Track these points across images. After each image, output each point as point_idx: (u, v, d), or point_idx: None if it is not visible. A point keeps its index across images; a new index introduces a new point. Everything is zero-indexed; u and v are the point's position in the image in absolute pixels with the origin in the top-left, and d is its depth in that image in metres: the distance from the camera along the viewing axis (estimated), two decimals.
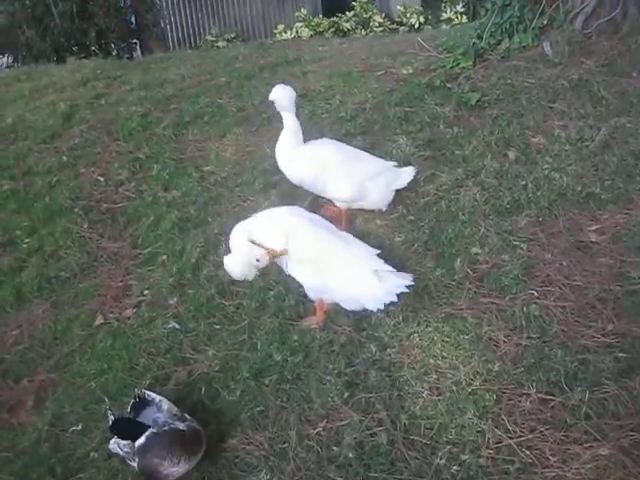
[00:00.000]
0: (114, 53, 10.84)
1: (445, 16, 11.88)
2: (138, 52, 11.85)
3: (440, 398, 3.19)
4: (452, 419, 3.09)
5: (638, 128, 4.94)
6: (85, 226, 5.00)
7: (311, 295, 3.65)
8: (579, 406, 3.06)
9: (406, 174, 4.31)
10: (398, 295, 3.36)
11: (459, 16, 11.70)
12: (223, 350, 3.71)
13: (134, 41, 11.51)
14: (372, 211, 4.38)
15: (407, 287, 3.38)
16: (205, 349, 3.76)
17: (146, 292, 4.34)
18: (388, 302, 3.37)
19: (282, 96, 4.18)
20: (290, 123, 4.21)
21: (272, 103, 4.21)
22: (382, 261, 3.52)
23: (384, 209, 4.37)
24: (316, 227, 3.57)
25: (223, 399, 3.47)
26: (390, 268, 3.48)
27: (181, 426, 3.09)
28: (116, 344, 3.99)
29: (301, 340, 3.59)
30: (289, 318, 3.77)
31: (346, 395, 3.28)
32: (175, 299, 4.18)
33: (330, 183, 4.17)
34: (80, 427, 3.61)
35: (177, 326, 3.97)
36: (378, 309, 3.41)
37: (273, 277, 4.03)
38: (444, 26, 11.68)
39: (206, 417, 3.41)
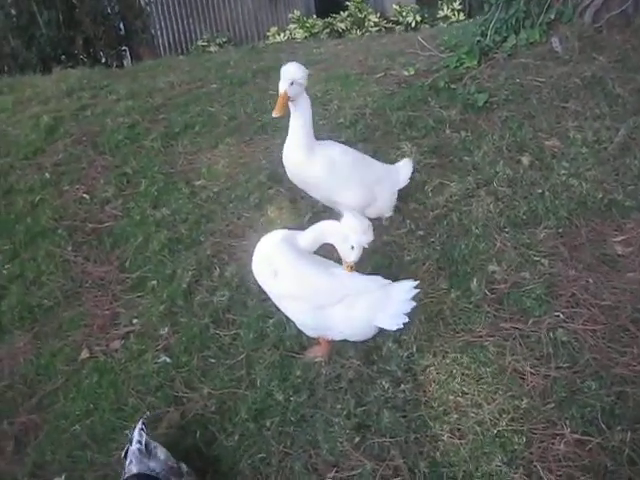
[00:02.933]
0: (103, 61, 10.48)
1: (442, 14, 11.55)
2: (128, 59, 11.52)
3: (463, 441, 2.84)
4: (477, 466, 2.74)
5: None
6: (69, 249, 4.65)
7: (311, 334, 3.31)
8: (620, 448, 2.72)
9: (405, 169, 4.01)
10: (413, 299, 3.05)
11: (456, 13, 11.38)
12: (219, 388, 3.36)
13: (123, 48, 11.16)
14: (376, 220, 4.04)
15: (415, 287, 3.08)
16: (199, 386, 3.42)
17: (135, 321, 4.00)
18: (408, 311, 3.03)
19: (302, 75, 3.60)
20: (307, 113, 3.70)
21: (290, 84, 3.55)
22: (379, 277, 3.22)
23: (389, 214, 4.07)
24: (305, 259, 3.20)
25: (220, 444, 3.13)
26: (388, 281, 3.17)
27: None
28: (103, 381, 3.65)
29: (305, 376, 3.25)
30: (291, 350, 3.44)
31: (357, 439, 2.93)
32: (166, 329, 3.83)
33: (344, 187, 3.80)
34: (63, 478, 3.26)
35: (168, 360, 3.63)
36: (398, 327, 3.07)
37: (272, 303, 3.69)
38: (441, 24, 11.33)
39: (202, 465, 3.07)
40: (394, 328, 3.09)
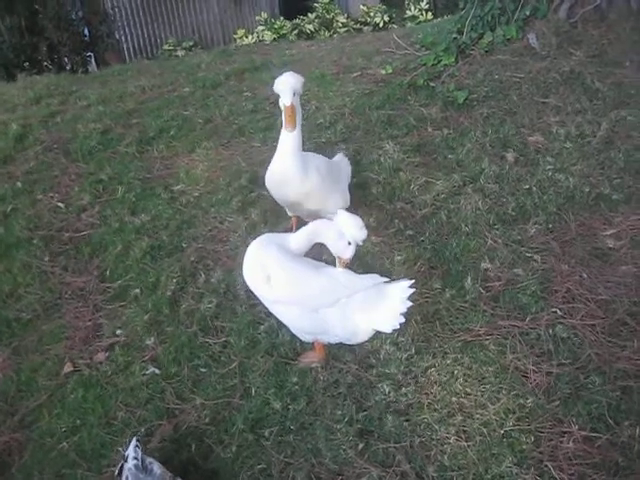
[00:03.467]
0: (68, 67, 10.26)
1: (409, 13, 11.54)
2: (93, 65, 11.30)
3: (470, 444, 2.77)
4: (487, 468, 2.67)
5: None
6: (46, 259, 4.48)
7: (306, 338, 3.21)
8: (630, 444, 2.68)
9: (346, 162, 4.08)
10: (409, 299, 2.92)
11: (424, 13, 11.37)
12: (212, 398, 3.24)
13: (88, 54, 10.94)
14: None
15: (410, 287, 2.93)
16: (192, 397, 3.29)
17: (119, 332, 3.85)
18: (404, 312, 2.91)
19: (301, 84, 3.49)
20: (299, 124, 3.58)
21: (293, 95, 3.46)
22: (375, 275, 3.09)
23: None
24: (298, 261, 3.11)
25: (217, 457, 3.00)
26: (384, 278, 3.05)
27: None
28: (89, 395, 3.49)
29: (302, 382, 3.15)
30: (285, 356, 3.33)
31: (361, 446, 2.84)
32: (152, 339, 3.69)
33: (333, 191, 3.73)
34: None
35: (157, 371, 3.49)
36: (394, 329, 2.95)
37: (263, 308, 3.59)
38: (409, 24, 11.34)
39: (200, 479, 2.95)
40: (390, 330, 3.00)
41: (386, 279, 3.02)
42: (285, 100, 3.44)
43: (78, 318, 4.05)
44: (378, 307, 2.98)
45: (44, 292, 4.25)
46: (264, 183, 3.77)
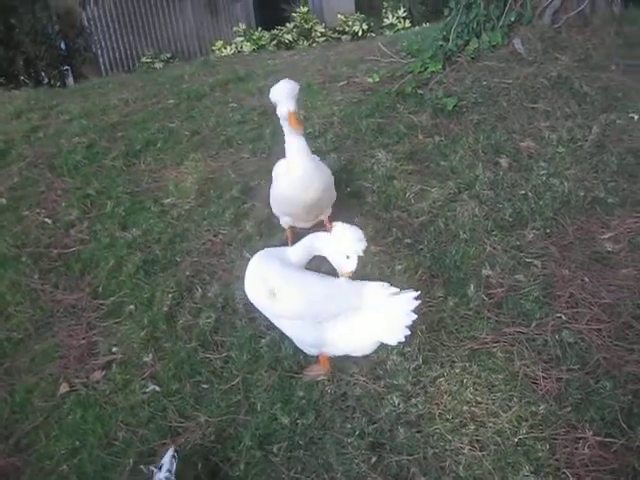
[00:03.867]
0: (45, 82, 10.13)
1: (387, 22, 11.55)
2: (70, 79, 11.17)
3: (484, 453, 2.73)
4: (504, 478, 2.63)
5: (630, 124, 4.66)
6: (36, 277, 4.38)
7: (311, 351, 3.16)
8: None
9: None
10: (414, 311, 2.88)
11: (402, 21, 11.40)
12: (217, 415, 3.17)
13: (66, 67, 10.81)
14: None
15: (416, 298, 2.90)
16: (195, 415, 3.22)
17: (115, 349, 3.77)
18: (409, 324, 2.88)
19: (298, 91, 3.48)
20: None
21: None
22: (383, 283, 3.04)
23: None
24: (301, 273, 3.08)
25: (225, 475, 2.93)
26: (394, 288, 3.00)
27: None
28: (87, 416, 3.40)
29: (308, 396, 3.09)
30: (289, 370, 3.27)
31: (374, 459, 2.78)
32: (150, 356, 3.62)
33: (332, 189, 3.79)
34: None
35: (157, 389, 3.42)
36: (399, 342, 2.93)
37: (263, 322, 3.54)
38: (387, 32, 11.36)
39: None
40: (395, 342, 2.96)
41: (392, 287, 2.98)
42: (289, 106, 3.40)
43: (72, 336, 3.96)
44: (383, 320, 2.94)
45: (35, 311, 4.16)
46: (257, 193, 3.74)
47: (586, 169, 4.29)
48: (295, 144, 3.53)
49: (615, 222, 3.92)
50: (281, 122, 3.54)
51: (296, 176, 3.56)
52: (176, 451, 2.75)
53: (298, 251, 3.14)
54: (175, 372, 3.47)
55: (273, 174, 3.82)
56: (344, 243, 3.00)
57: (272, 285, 3.02)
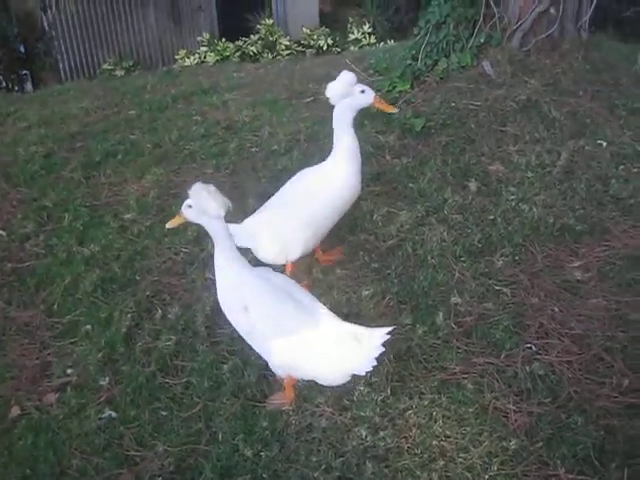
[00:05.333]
0: (3, 85, 9.84)
1: (352, 37, 11.52)
2: (29, 84, 10.88)
3: None
4: None
5: (597, 151, 4.66)
6: None
7: (279, 372, 3.05)
8: None
9: None
10: (384, 345, 2.81)
11: (367, 36, 11.37)
12: (176, 444, 3.02)
13: (24, 72, 10.53)
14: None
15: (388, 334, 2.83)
16: (153, 443, 3.06)
17: (70, 371, 3.59)
18: (377, 356, 2.80)
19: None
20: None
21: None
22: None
23: None
24: (278, 295, 2.98)
25: None
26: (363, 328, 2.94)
27: None
28: (39, 441, 3.22)
29: (272, 427, 2.97)
30: (252, 399, 3.14)
31: None
32: (107, 379, 3.45)
33: None
34: None
35: (114, 415, 3.25)
36: (367, 372, 2.85)
37: (225, 346, 3.41)
38: (352, 47, 11.33)
39: None
40: (364, 373, 2.87)
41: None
42: (370, 93, 3.61)
43: (24, 356, 3.77)
44: (352, 351, 2.86)
45: None
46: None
47: (555, 195, 4.26)
48: (348, 144, 3.65)
49: (584, 250, 3.89)
50: (340, 118, 3.69)
51: (355, 181, 3.61)
52: None
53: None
54: (133, 397, 3.31)
55: (311, 188, 3.66)
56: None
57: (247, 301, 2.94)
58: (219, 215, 2.94)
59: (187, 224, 3.26)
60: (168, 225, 3.20)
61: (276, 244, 3.56)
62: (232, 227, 3.25)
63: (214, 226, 2.99)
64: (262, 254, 3.61)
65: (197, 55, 10.69)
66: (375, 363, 2.82)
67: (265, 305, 2.95)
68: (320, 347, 2.90)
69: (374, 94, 3.62)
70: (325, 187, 3.61)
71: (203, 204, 2.95)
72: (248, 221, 3.64)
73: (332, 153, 3.72)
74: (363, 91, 3.60)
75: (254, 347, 3.06)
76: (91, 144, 5.58)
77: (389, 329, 2.83)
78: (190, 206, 3.02)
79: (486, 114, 5.03)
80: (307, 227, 3.56)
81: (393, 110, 3.89)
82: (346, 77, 3.58)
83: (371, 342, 2.82)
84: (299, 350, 2.91)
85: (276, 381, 3.19)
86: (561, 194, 4.27)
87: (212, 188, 2.96)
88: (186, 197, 3.02)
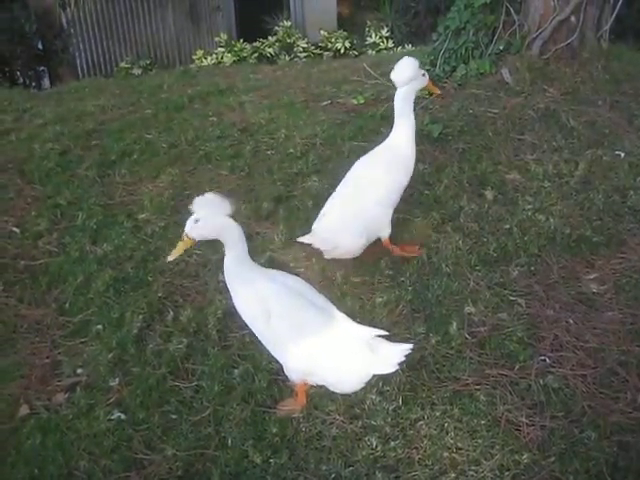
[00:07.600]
0: (20, 82, 9.88)
1: (370, 40, 11.51)
2: (46, 80, 10.93)
3: None
4: None
5: (615, 161, 4.62)
6: (0, 289, 4.19)
7: (293, 377, 3.03)
8: None
9: None
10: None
11: (384, 40, 11.35)
12: (185, 448, 3.01)
13: (42, 68, 10.57)
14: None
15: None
16: (162, 447, 3.05)
17: (80, 371, 3.58)
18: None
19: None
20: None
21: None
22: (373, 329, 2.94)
23: None
24: (297, 299, 2.95)
25: None
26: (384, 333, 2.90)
27: None
28: (48, 441, 3.21)
29: (282, 433, 2.95)
30: (262, 404, 3.12)
31: None
32: (117, 380, 3.44)
33: None
34: None
35: (123, 416, 3.25)
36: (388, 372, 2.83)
37: (237, 350, 3.40)
38: (370, 51, 11.31)
39: None
40: (387, 372, 2.83)
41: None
42: (427, 75, 4.02)
43: (35, 355, 3.76)
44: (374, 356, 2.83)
45: None
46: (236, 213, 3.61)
47: (572, 206, 4.23)
48: (407, 127, 3.93)
49: (600, 262, 3.85)
50: (406, 99, 3.92)
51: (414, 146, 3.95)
52: None
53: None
54: (143, 399, 3.30)
55: (386, 168, 3.89)
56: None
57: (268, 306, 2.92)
58: (231, 213, 2.93)
59: (191, 250, 3.23)
60: (170, 258, 3.09)
61: (364, 232, 3.70)
62: (306, 237, 3.52)
63: (229, 228, 2.97)
64: (348, 247, 3.70)
65: (214, 55, 10.69)
66: (397, 367, 2.79)
67: (287, 311, 2.92)
68: (340, 351, 2.87)
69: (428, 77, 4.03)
70: (396, 159, 3.92)
71: (215, 207, 2.93)
72: (327, 217, 3.72)
73: (394, 133, 4.01)
74: (424, 74, 3.98)
75: (271, 351, 3.04)
76: (107, 142, 5.58)
77: (408, 347, 2.79)
78: (197, 220, 2.97)
79: (504, 122, 5.00)
80: (388, 203, 3.84)
81: (439, 92, 4.65)
82: (413, 62, 3.84)
83: (388, 358, 2.79)
84: (319, 354, 2.89)
85: (287, 387, 3.17)
86: (578, 205, 4.23)
87: (211, 195, 2.94)
88: (187, 218, 2.99)
